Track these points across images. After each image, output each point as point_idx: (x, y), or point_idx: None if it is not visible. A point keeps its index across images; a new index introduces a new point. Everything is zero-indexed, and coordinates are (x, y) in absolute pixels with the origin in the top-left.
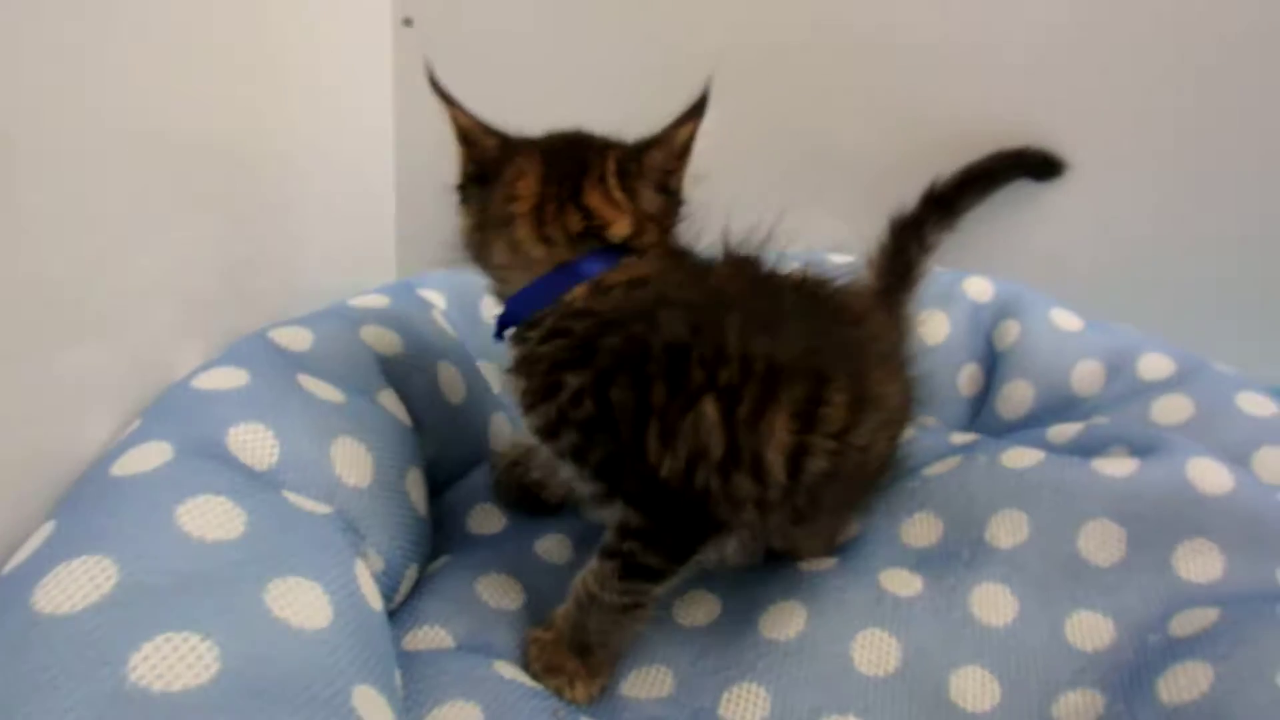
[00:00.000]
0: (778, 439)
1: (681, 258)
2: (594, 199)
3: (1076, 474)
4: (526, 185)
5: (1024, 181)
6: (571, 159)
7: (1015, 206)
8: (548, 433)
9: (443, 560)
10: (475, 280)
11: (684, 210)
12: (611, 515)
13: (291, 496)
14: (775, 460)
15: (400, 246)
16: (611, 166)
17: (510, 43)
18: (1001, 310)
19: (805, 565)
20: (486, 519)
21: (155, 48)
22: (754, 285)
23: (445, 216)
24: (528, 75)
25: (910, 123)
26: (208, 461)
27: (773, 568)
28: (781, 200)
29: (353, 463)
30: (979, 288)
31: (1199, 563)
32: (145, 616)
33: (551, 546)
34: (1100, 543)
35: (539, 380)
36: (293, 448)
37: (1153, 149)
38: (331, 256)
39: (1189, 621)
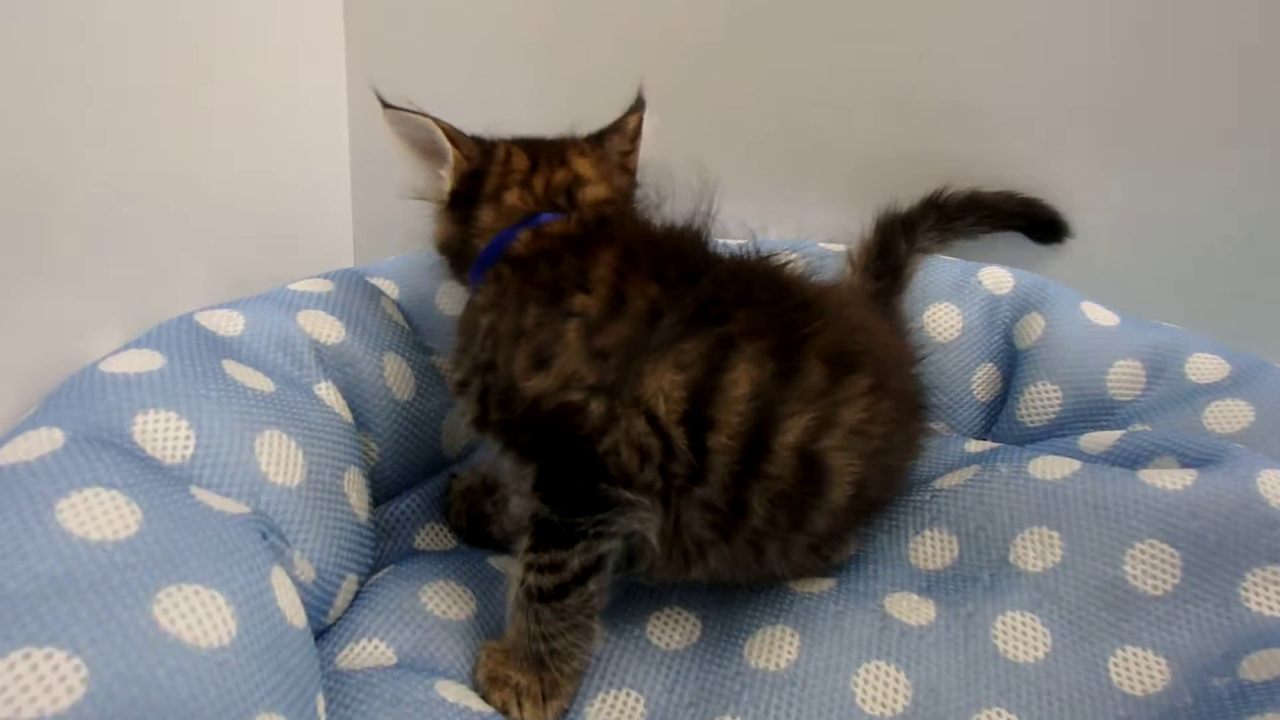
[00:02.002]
0: (661, 390)
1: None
2: (579, 164)
3: (1120, 487)
4: (520, 161)
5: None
6: (548, 145)
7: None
8: (460, 385)
9: (386, 570)
10: (429, 271)
11: (639, 190)
12: (525, 485)
13: (201, 494)
14: (662, 408)
15: (358, 234)
16: (586, 145)
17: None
18: (1022, 304)
19: (798, 586)
20: (436, 537)
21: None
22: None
23: (404, 203)
24: (499, 55)
25: (906, 112)
26: (104, 451)
27: (761, 587)
28: (773, 187)
29: (281, 459)
30: (996, 278)
31: (1274, 594)
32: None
33: (506, 562)
34: (1149, 567)
35: (465, 331)
36: (210, 440)
37: (1189, 123)
38: (279, 243)
39: (1265, 664)
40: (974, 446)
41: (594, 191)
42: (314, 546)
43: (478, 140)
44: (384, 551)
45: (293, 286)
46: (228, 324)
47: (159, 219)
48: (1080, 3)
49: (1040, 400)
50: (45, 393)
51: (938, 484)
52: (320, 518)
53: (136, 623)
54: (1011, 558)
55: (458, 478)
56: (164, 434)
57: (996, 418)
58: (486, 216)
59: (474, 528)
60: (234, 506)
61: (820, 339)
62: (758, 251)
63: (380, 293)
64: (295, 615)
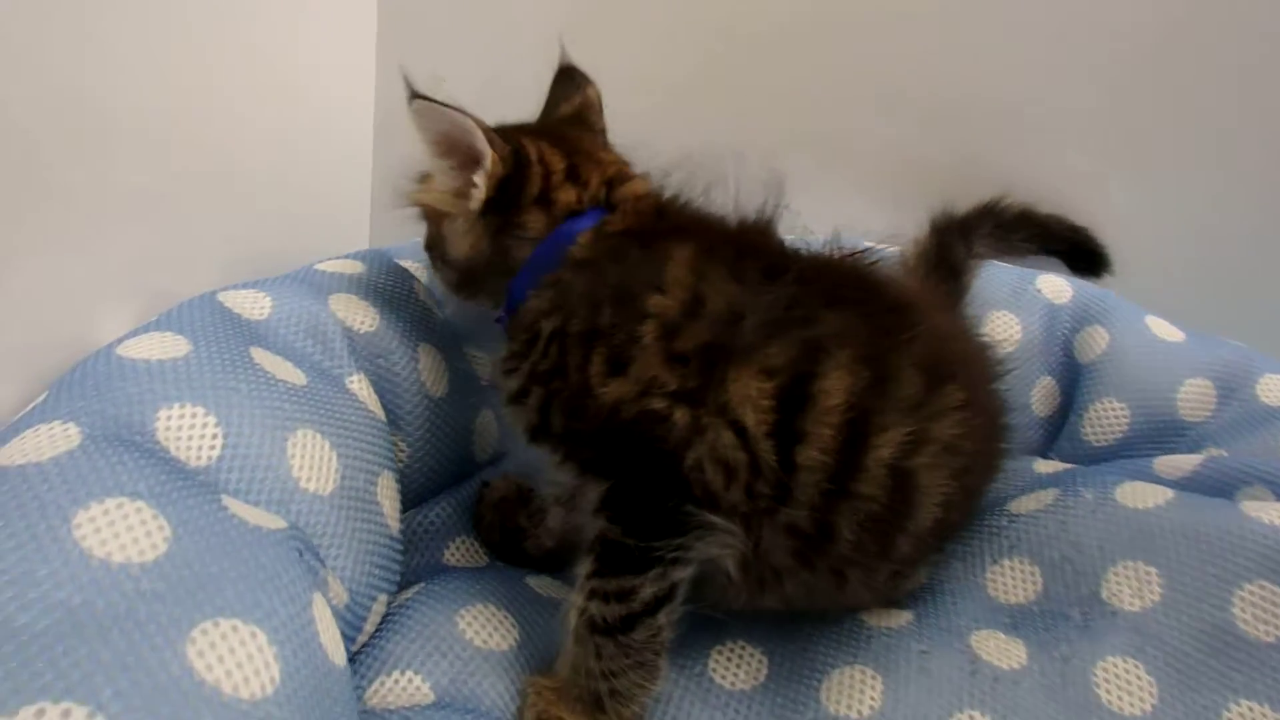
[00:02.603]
0: (749, 397)
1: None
2: (606, 155)
3: (1221, 520)
4: (555, 159)
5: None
6: (560, 136)
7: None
8: (517, 396)
9: (415, 590)
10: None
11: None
12: (588, 501)
13: (234, 504)
14: (751, 418)
15: (376, 212)
16: (584, 131)
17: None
18: (1082, 315)
19: (873, 619)
20: (468, 552)
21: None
22: (749, 243)
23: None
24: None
25: (941, 114)
26: (126, 452)
27: (831, 619)
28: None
29: (314, 462)
30: (1055, 287)
31: None
32: (7, 678)
33: (547, 583)
34: (1260, 611)
35: (521, 337)
36: (239, 440)
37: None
38: (293, 218)
39: None
40: (1044, 467)
41: (634, 187)
42: (346, 565)
43: (505, 138)
44: (411, 566)
45: (320, 266)
46: (253, 306)
47: (169, 191)
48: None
49: (1107, 418)
50: (48, 374)
51: (1012, 508)
52: (353, 531)
53: (168, 668)
54: (1105, 594)
55: (490, 486)
56: (189, 431)
57: (1057, 435)
58: (535, 222)
59: (508, 542)
60: (269, 520)
61: (916, 346)
62: (839, 249)
63: (412, 276)
64: (336, 652)
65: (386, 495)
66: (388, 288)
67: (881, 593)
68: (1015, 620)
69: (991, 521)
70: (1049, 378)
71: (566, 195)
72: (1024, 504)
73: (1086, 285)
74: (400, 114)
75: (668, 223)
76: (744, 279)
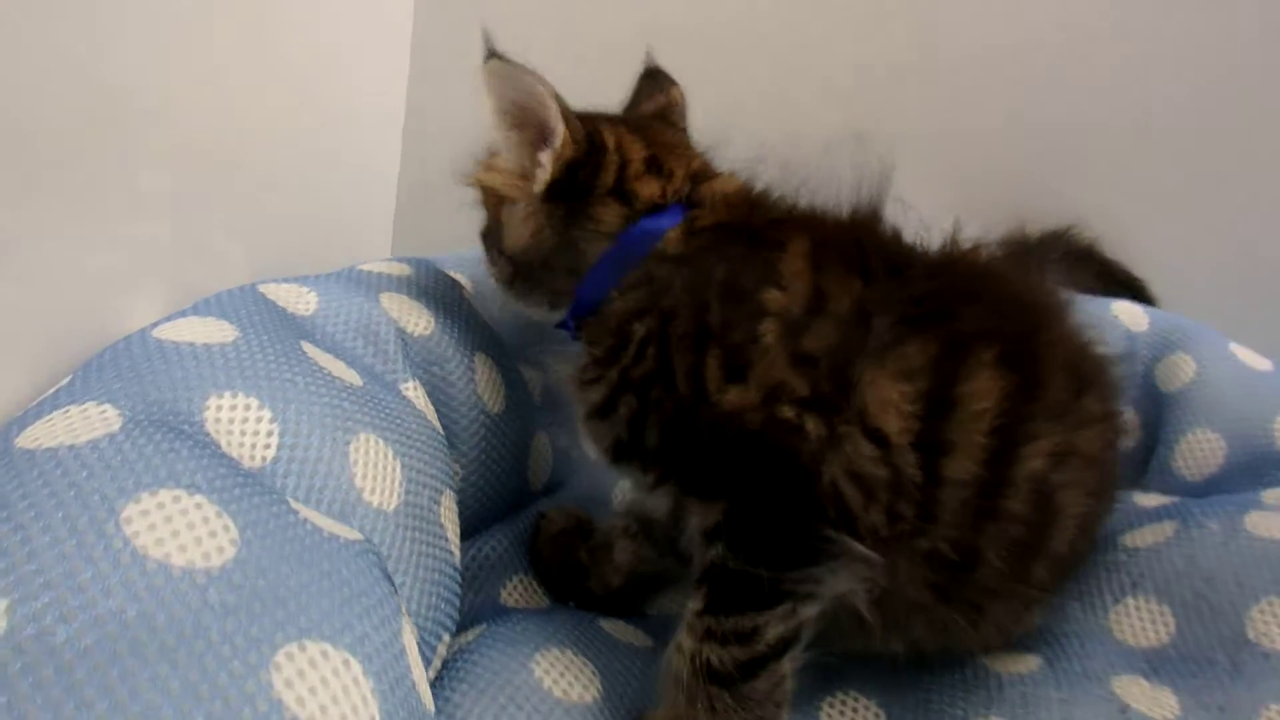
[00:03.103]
0: (890, 402)
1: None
2: (691, 149)
3: None
4: (635, 149)
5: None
6: (642, 126)
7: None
8: (603, 409)
9: (477, 631)
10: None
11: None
12: (692, 528)
13: (303, 510)
14: (894, 426)
15: (400, 220)
16: (668, 125)
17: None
18: (1162, 343)
19: (997, 664)
20: (527, 592)
21: None
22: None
23: (454, 190)
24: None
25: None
26: (178, 439)
27: (952, 665)
28: None
29: (378, 472)
30: (1131, 315)
31: None
32: (47, 708)
33: (623, 628)
34: None
35: (607, 341)
36: (296, 439)
37: None
38: (316, 222)
39: None
40: (1149, 500)
41: (722, 183)
42: (412, 595)
43: (583, 120)
44: (469, 606)
45: (365, 267)
46: (297, 300)
47: (191, 185)
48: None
49: (1200, 450)
50: (64, 364)
51: (1128, 541)
52: (418, 555)
53: (254, 702)
54: (1252, 635)
55: (547, 518)
56: (242, 425)
57: (1144, 468)
58: (609, 215)
59: (569, 581)
60: (343, 529)
61: (1059, 347)
62: (956, 243)
63: (460, 285)
64: (427, 695)
65: (449, 518)
66: (438, 292)
67: (1013, 630)
68: (1154, 665)
69: (1108, 557)
70: (1129, 408)
71: (647, 188)
72: (1141, 537)
73: (1162, 313)
74: (430, 123)
75: (765, 216)
76: (867, 273)
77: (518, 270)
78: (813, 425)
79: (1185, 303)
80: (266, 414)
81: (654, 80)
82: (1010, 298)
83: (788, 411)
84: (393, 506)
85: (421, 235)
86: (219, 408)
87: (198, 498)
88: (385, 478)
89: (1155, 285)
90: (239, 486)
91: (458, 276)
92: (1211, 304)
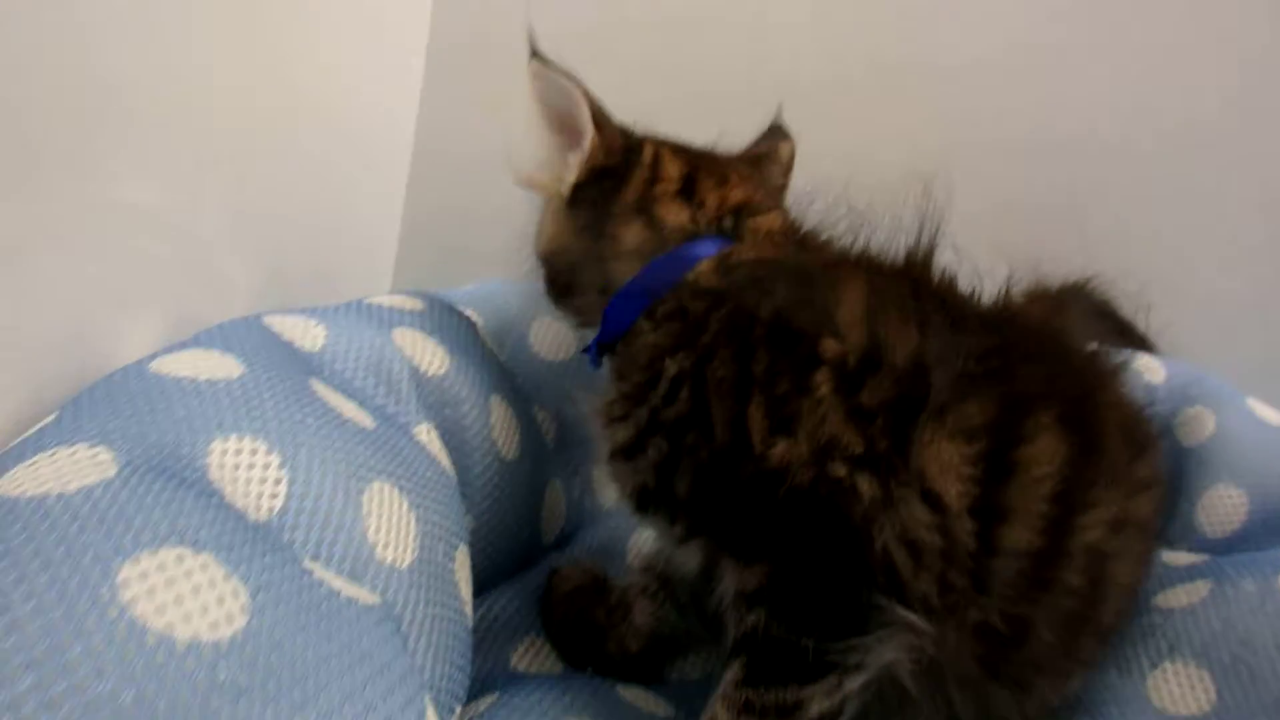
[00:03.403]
0: (949, 464)
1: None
2: (745, 186)
3: None
4: (673, 167)
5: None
6: (699, 153)
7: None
8: (629, 450)
9: (489, 700)
10: (519, 302)
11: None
12: (725, 589)
13: (317, 569)
14: (952, 490)
15: (404, 247)
16: (743, 164)
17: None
18: (1181, 396)
19: None
20: (540, 656)
21: None
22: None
23: (457, 228)
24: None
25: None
26: (181, 488)
27: None
28: None
29: (392, 525)
30: (1149, 366)
31: None
32: None
33: (643, 696)
34: None
35: (636, 378)
36: (308, 488)
37: None
38: (317, 252)
39: None
40: (1178, 558)
41: (767, 221)
42: (427, 664)
43: (625, 131)
44: (478, 671)
45: (375, 300)
46: (305, 334)
47: (188, 208)
48: None
49: (1223, 506)
50: (56, 393)
51: (1161, 602)
52: (434, 618)
53: None
54: None
55: (560, 575)
56: (249, 473)
57: (1170, 523)
58: (629, 234)
59: (585, 643)
60: (361, 592)
61: (1116, 409)
62: (1011, 296)
63: (474, 323)
64: None
65: (463, 575)
66: (452, 328)
67: (1053, 702)
68: None
69: (1142, 619)
70: None
71: (673, 213)
72: (1175, 597)
73: (1179, 364)
74: (438, 156)
75: (817, 257)
76: (924, 325)
77: (547, 275)
78: (866, 485)
79: (1195, 357)
80: (275, 459)
81: (771, 135)
82: (1066, 357)
83: (840, 470)
84: (407, 563)
85: (426, 264)
86: (224, 452)
87: (203, 556)
88: (400, 531)
89: (1167, 336)
90: (248, 543)
91: (470, 313)
92: (1224, 358)
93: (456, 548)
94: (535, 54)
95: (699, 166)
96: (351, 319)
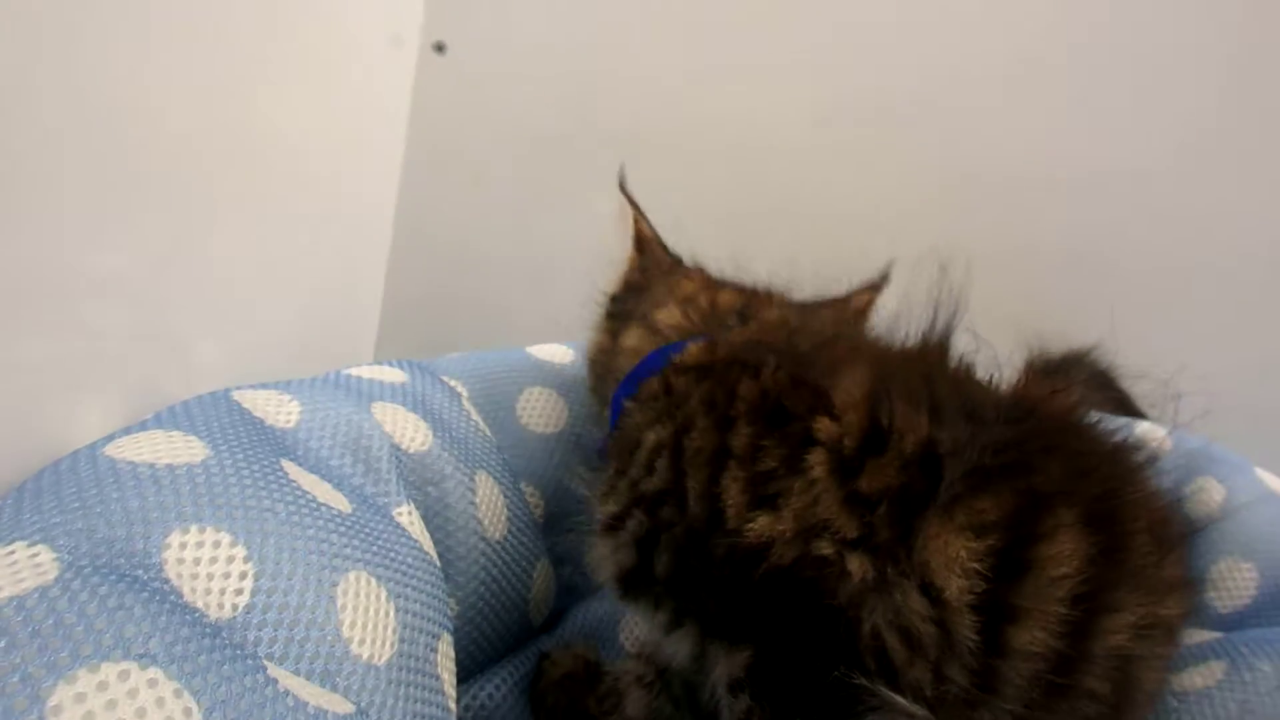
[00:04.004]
0: (955, 559)
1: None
2: (768, 311)
3: None
4: (691, 284)
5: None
6: (737, 288)
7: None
8: (611, 523)
9: None
10: (506, 372)
11: None
12: (717, 677)
13: (282, 675)
14: (954, 585)
15: (386, 316)
16: (789, 304)
17: (546, 68)
18: (1188, 466)
19: None
20: None
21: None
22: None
23: (442, 297)
24: (562, 101)
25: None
26: (129, 592)
27: None
28: None
29: (370, 618)
30: (1155, 436)
31: None
32: None
33: None
34: None
35: (619, 453)
36: (276, 582)
37: None
38: (300, 312)
39: None
40: (1189, 635)
41: (770, 314)
42: None
43: (672, 258)
44: None
45: (354, 372)
46: (278, 410)
47: (163, 260)
48: None
49: (1233, 580)
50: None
51: (1174, 684)
52: (415, 715)
53: None
54: None
55: (551, 660)
56: (210, 567)
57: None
58: (631, 337)
59: None
60: (333, 701)
61: (1142, 505)
62: (1032, 385)
63: (458, 394)
64: None
65: (446, 665)
66: (436, 401)
67: None
68: None
69: (1158, 704)
70: None
71: (672, 316)
72: (1190, 679)
73: (1183, 434)
74: (419, 233)
75: (813, 340)
76: (936, 413)
77: (589, 381)
78: (857, 565)
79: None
80: (240, 552)
81: (879, 281)
82: (1089, 451)
83: (826, 548)
84: (385, 659)
85: (411, 332)
86: (183, 545)
87: (152, 671)
88: (378, 624)
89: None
90: (205, 652)
91: (455, 384)
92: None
93: (439, 637)
94: (621, 184)
95: (718, 287)
96: (328, 393)
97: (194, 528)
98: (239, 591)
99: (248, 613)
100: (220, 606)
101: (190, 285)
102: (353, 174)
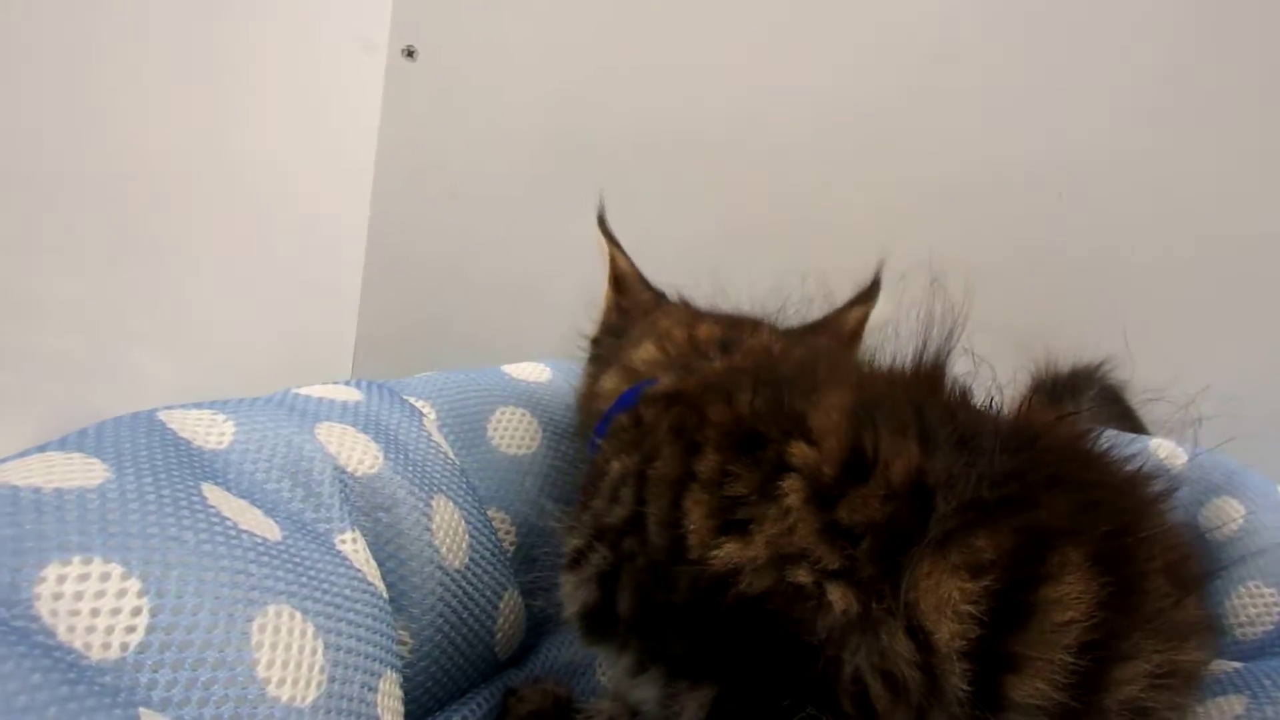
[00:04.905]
0: (947, 601)
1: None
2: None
3: None
4: (668, 320)
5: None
6: (722, 318)
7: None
8: (574, 558)
9: None
10: (476, 392)
11: None
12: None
13: None
14: (945, 630)
15: (361, 343)
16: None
17: (519, 77)
18: (1205, 484)
19: None
20: None
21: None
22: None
23: (420, 311)
24: (538, 111)
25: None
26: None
27: None
28: None
29: (291, 656)
30: (1169, 452)
31: None
32: None
33: None
34: None
35: (584, 488)
36: (178, 618)
37: None
38: (273, 338)
39: None
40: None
41: (754, 341)
42: None
43: (653, 295)
44: None
45: (302, 391)
46: (209, 431)
47: (119, 283)
48: None
49: (1256, 606)
50: None
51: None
52: None
53: None
54: None
55: (518, 696)
56: (95, 602)
57: None
58: (609, 380)
59: None
60: None
61: (1158, 543)
62: (1034, 410)
63: (421, 414)
64: None
65: (389, 705)
66: (391, 421)
67: None
68: None
69: None
70: None
71: (644, 354)
72: (1207, 714)
73: (1202, 452)
74: (394, 249)
75: (794, 366)
76: (928, 440)
77: (577, 428)
78: (839, 597)
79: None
80: (134, 585)
81: (868, 291)
82: (1099, 483)
83: (804, 576)
84: (310, 700)
85: (387, 357)
86: (61, 579)
87: None
88: (301, 662)
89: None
90: (76, 699)
91: (420, 404)
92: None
93: (381, 675)
94: (600, 220)
95: (698, 320)
96: (269, 413)
97: (77, 559)
98: (130, 629)
99: (140, 652)
100: (105, 646)
101: (141, 307)
102: (322, 189)
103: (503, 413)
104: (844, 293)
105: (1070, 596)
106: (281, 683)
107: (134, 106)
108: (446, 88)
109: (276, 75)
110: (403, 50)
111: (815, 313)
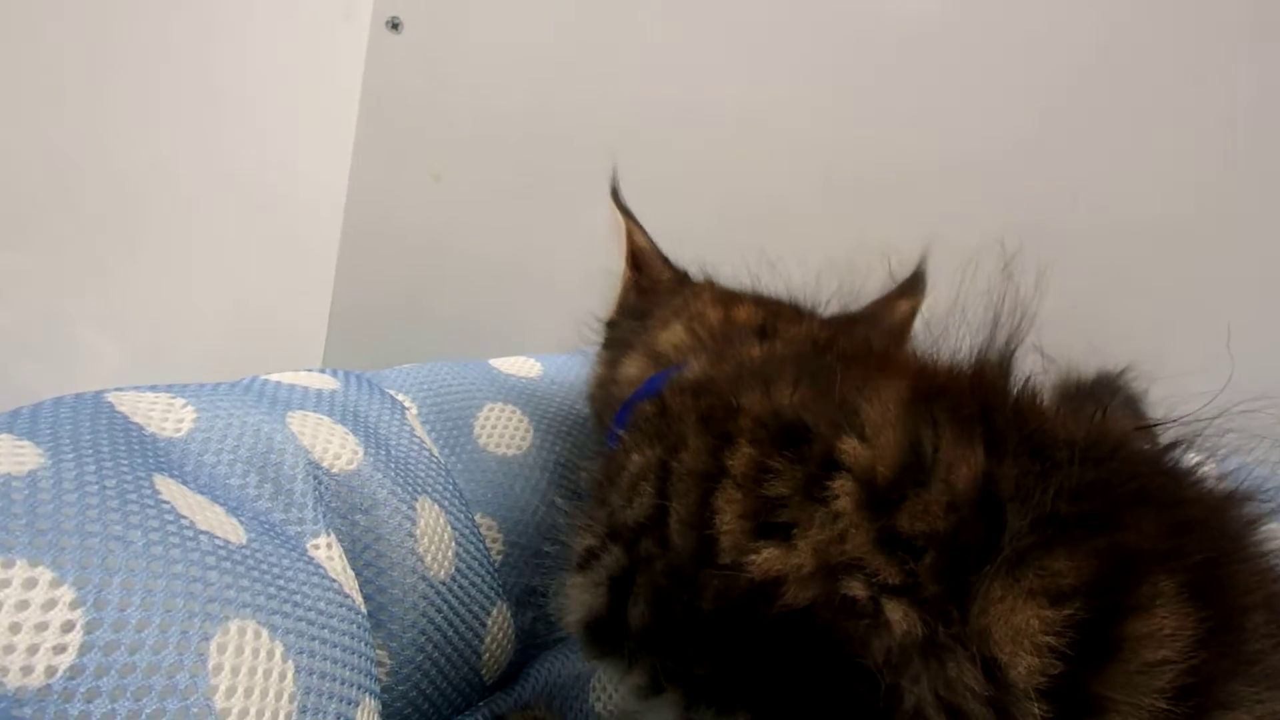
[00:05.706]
0: (1024, 631)
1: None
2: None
3: None
4: (699, 299)
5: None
6: (765, 301)
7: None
8: (582, 559)
9: None
10: (463, 386)
11: None
12: None
13: None
14: (1022, 665)
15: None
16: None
17: (509, 52)
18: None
19: None
20: None
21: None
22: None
23: (397, 296)
24: (528, 89)
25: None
26: None
27: None
28: None
29: (255, 679)
30: (1204, 469)
31: None
32: None
33: None
34: None
35: (599, 483)
36: (120, 634)
37: None
38: (238, 317)
39: None
40: None
41: (797, 330)
42: None
43: (676, 274)
44: None
45: (274, 377)
46: (165, 416)
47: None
48: None
49: None
50: None
51: None
52: None
53: None
54: None
55: (506, 717)
56: (17, 614)
57: None
58: (630, 366)
59: None
60: None
61: (1255, 575)
62: (1111, 419)
63: (404, 408)
64: None
65: None
66: (373, 414)
67: None
68: None
69: None
70: None
71: (673, 335)
72: None
73: (1237, 465)
74: (372, 230)
75: (858, 352)
76: (995, 444)
77: (591, 420)
78: (900, 616)
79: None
80: (66, 594)
81: (912, 283)
82: (1190, 502)
83: (859, 589)
84: None
85: (361, 345)
86: None
87: None
88: (268, 689)
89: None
90: None
91: (401, 397)
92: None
93: (359, 704)
94: (614, 191)
95: (738, 302)
96: (235, 398)
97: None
98: (60, 649)
99: (71, 678)
100: (27, 670)
101: (83, 281)
102: (299, 163)
103: (491, 409)
104: (857, 286)
105: (1163, 632)
106: (244, 714)
107: (102, 76)
108: (432, 63)
109: (255, 45)
110: (387, 22)
111: (838, 307)
